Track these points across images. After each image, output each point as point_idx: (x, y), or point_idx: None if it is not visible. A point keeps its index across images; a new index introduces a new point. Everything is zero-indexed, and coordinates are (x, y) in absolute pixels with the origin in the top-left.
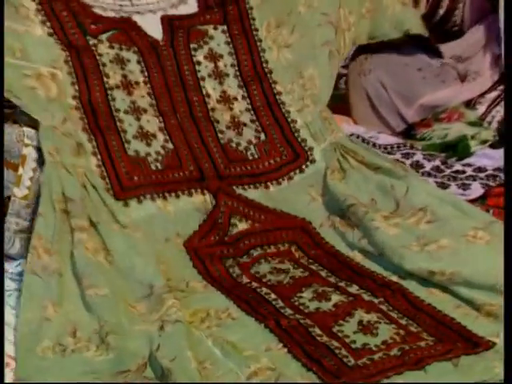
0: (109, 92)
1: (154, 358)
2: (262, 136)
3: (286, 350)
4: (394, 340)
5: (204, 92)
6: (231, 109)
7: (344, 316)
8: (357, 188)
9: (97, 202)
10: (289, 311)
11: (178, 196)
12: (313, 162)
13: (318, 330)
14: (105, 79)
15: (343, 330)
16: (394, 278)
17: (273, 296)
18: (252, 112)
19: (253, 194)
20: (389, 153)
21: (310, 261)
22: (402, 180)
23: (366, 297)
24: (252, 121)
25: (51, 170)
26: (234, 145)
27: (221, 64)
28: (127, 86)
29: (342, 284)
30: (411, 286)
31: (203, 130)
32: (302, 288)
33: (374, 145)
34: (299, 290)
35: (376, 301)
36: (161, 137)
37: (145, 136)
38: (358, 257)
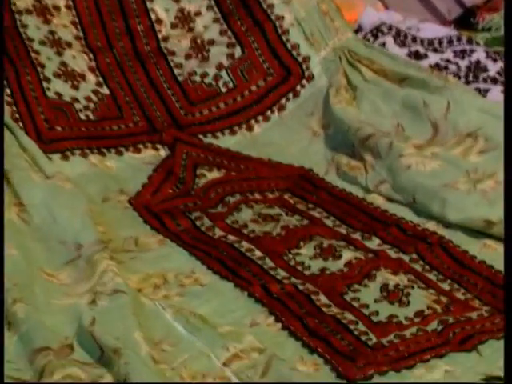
0: (17, 16)
1: (89, 334)
2: (238, 50)
3: (279, 325)
4: (433, 310)
5: (153, 17)
6: (191, 29)
7: (361, 279)
8: (374, 110)
9: (10, 144)
10: (282, 273)
11: (119, 153)
12: (310, 78)
13: (324, 299)
14: None
15: (360, 298)
16: (431, 226)
17: (258, 253)
18: (222, 20)
19: (229, 141)
20: (435, 50)
21: (311, 206)
22: (440, 93)
23: (391, 252)
24: (222, 32)
25: None
26: (197, 78)
27: None
28: (42, 11)
29: (357, 236)
30: (456, 236)
31: (152, 68)
32: (300, 242)
33: (415, 39)
34: (296, 245)
35: (406, 258)
36: (92, 79)
37: (70, 76)
38: (378, 199)
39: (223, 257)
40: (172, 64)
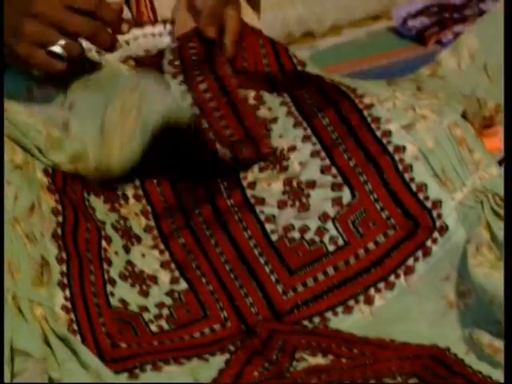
0: (85, 195)
1: None
2: (346, 194)
3: None
4: None
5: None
6: (284, 168)
7: None
8: None
9: (68, 367)
10: None
11: (204, 359)
12: (443, 231)
13: None
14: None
15: None
16: None
17: None
18: (323, 154)
19: (343, 323)
20: None
21: None
22: None
23: None
24: (325, 170)
25: None
26: (296, 234)
27: None
28: (109, 197)
29: None
30: None
31: (237, 229)
32: None
33: None
34: None
35: None
36: (165, 278)
37: (138, 279)
38: None
39: None
40: (262, 217)
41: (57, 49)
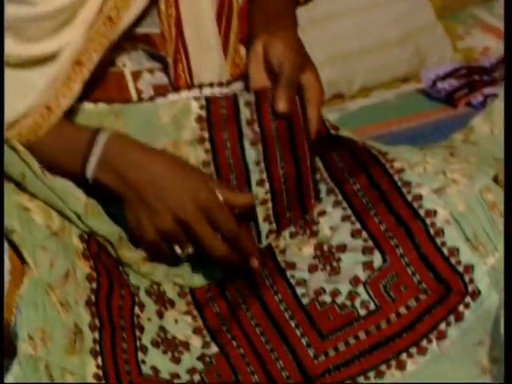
0: (121, 268)
1: None
2: (377, 258)
3: None
4: None
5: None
6: (315, 233)
7: None
8: None
9: None
10: None
11: None
12: (476, 295)
13: None
14: None
15: None
16: None
17: None
18: (354, 218)
19: None
20: None
21: None
22: None
23: None
24: (355, 234)
25: (28, 370)
26: (327, 298)
27: None
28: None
29: None
30: None
31: (268, 294)
32: None
33: None
34: None
35: None
36: (197, 344)
37: (170, 345)
38: None
39: None
40: (293, 281)
41: (179, 252)
